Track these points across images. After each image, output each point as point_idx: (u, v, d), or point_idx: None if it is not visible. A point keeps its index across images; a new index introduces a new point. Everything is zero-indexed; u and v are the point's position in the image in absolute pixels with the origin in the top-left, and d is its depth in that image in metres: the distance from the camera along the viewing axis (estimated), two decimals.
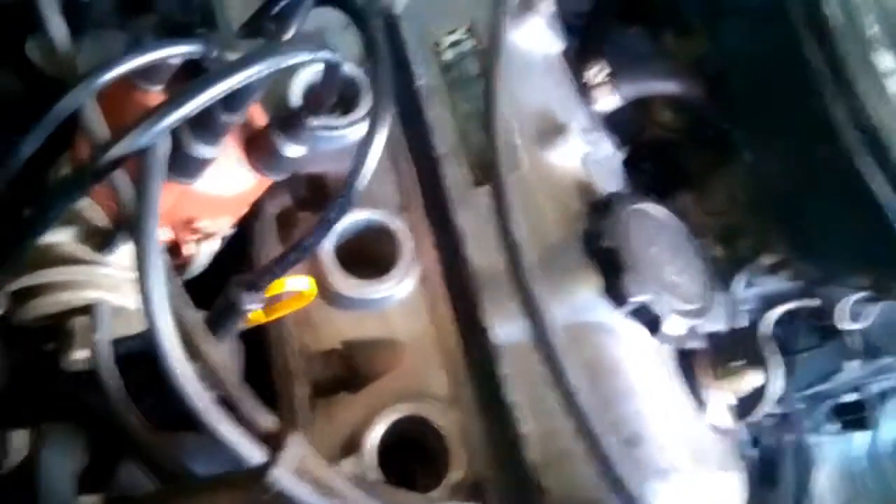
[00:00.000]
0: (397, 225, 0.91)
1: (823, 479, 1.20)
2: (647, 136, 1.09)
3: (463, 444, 0.80)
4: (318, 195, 0.96)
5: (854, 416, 1.16)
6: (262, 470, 0.55)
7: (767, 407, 0.89)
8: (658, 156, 1.09)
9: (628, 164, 1.00)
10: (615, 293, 0.79)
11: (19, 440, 0.68)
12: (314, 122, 0.77)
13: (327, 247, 0.89)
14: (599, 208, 0.83)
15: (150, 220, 0.58)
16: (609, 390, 0.78)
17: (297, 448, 0.56)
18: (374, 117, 0.71)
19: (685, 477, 0.76)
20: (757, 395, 0.87)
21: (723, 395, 0.83)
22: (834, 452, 1.21)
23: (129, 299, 0.72)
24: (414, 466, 0.83)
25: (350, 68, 0.91)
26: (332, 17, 0.80)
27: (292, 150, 0.77)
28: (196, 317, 0.60)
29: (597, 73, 0.99)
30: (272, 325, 0.90)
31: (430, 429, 0.81)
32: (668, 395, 0.81)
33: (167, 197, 0.76)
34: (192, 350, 0.57)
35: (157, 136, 0.59)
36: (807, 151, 0.88)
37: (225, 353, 0.75)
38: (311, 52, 0.65)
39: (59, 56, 0.64)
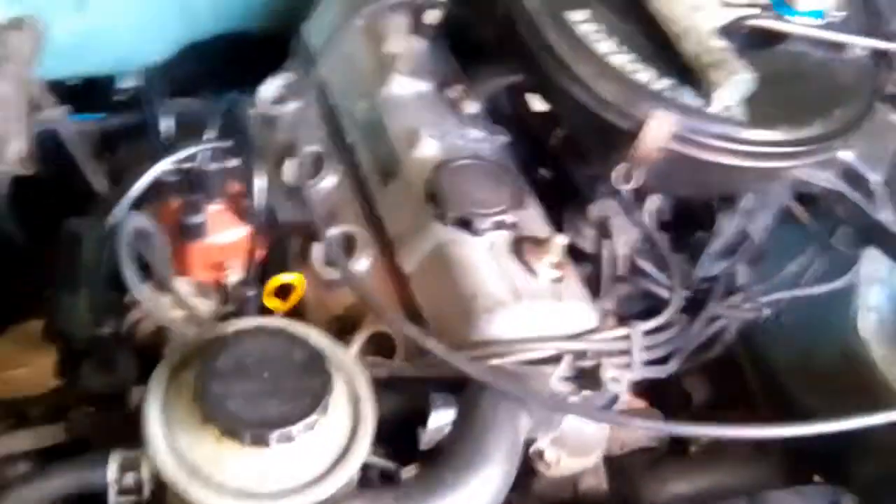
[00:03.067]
0: (357, 231, 1.45)
1: (869, 323, 1.46)
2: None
3: None
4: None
5: None
6: None
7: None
8: None
9: None
10: (441, 216, 1.28)
11: (137, 393, 1.25)
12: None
13: (319, 256, 1.46)
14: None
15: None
16: (455, 275, 1.26)
17: None
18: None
19: (508, 309, 1.21)
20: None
21: (545, 260, 1.26)
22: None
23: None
24: None
25: None
26: None
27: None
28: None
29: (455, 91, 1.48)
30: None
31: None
32: (498, 265, 1.26)
33: (196, 254, 1.38)
34: None
35: (118, 217, 1.21)
36: None
37: None
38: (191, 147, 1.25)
39: None
